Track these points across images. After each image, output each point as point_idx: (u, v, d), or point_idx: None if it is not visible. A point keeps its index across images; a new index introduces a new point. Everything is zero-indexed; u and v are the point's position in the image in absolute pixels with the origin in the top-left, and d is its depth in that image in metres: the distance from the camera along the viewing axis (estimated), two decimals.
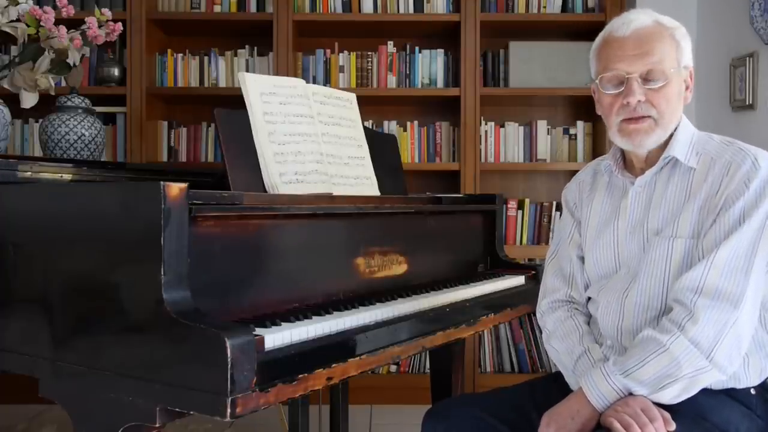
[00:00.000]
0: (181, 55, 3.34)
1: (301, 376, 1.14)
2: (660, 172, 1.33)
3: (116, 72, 3.22)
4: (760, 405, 1.26)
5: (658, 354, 1.18)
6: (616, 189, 1.41)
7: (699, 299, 1.18)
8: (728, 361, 1.18)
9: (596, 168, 1.49)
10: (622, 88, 1.29)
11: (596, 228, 1.41)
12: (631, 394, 1.20)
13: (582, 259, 1.46)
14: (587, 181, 1.50)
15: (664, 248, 1.27)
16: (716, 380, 1.21)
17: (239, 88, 1.58)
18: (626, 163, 1.41)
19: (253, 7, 3.31)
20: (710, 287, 1.18)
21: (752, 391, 1.27)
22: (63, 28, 1.91)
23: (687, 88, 1.34)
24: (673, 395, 1.19)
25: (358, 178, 1.80)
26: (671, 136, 1.32)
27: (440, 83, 3.36)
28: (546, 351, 1.49)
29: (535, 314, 1.58)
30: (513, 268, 2.16)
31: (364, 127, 1.90)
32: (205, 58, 3.35)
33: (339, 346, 1.27)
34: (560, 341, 1.41)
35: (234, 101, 1.59)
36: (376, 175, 1.86)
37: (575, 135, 3.41)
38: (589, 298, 1.44)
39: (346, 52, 3.35)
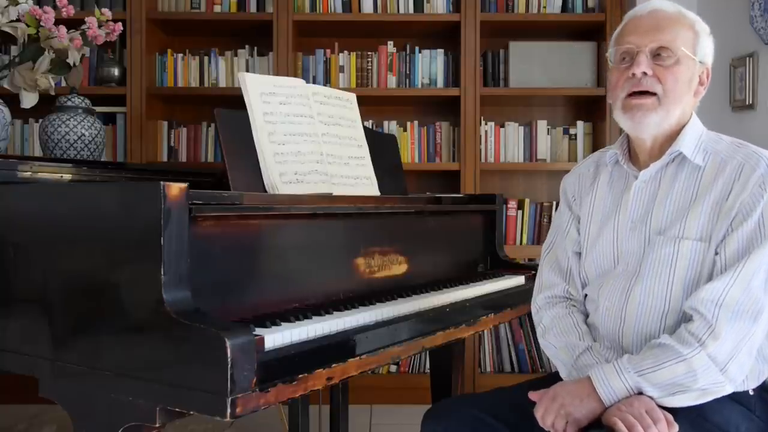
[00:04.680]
0: (181, 55, 3.34)
1: (301, 376, 1.14)
2: (666, 168, 1.31)
3: (116, 72, 3.22)
4: (759, 406, 1.26)
5: (675, 362, 1.17)
6: (619, 181, 1.39)
7: (721, 313, 1.17)
8: (740, 372, 1.18)
9: (599, 160, 1.47)
10: (632, 63, 1.29)
11: (598, 226, 1.39)
12: (639, 393, 1.20)
13: (578, 255, 1.45)
14: (588, 174, 1.47)
15: (669, 249, 1.26)
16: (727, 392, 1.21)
17: (239, 88, 1.58)
18: (632, 155, 1.39)
19: (253, 7, 3.31)
20: (732, 301, 1.17)
21: (751, 392, 1.26)
22: (63, 28, 1.91)
23: (701, 83, 1.33)
24: (682, 403, 1.19)
25: (358, 178, 1.80)
26: (678, 131, 1.30)
27: (440, 83, 3.36)
28: (543, 347, 1.48)
29: None
30: (513, 268, 2.16)
31: (364, 127, 1.90)
32: (205, 58, 3.35)
33: (339, 346, 1.27)
34: (558, 338, 1.40)
35: (234, 101, 1.59)
36: (376, 175, 1.86)
37: (575, 135, 3.41)
38: (586, 295, 1.43)
39: (346, 52, 3.35)
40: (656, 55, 1.28)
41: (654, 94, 1.27)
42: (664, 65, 1.27)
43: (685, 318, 1.24)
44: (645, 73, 1.27)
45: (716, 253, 1.22)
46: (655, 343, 1.22)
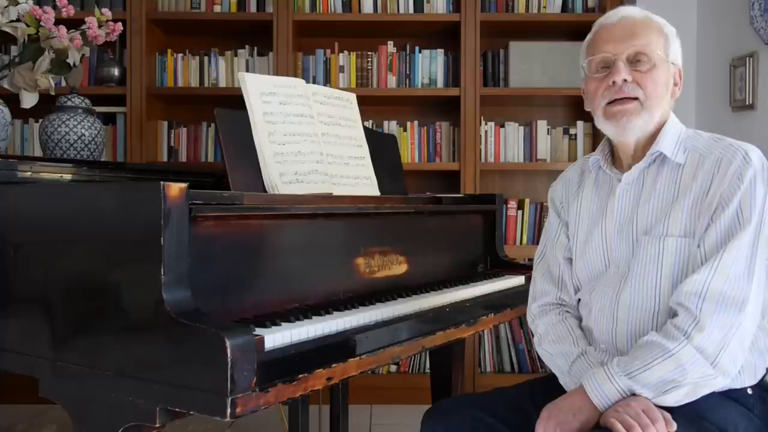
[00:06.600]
0: (181, 55, 3.34)
1: (301, 376, 1.14)
2: (648, 168, 1.33)
3: (116, 72, 3.22)
4: (757, 404, 1.26)
5: (663, 359, 1.17)
6: (604, 186, 1.41)
7: (704, 304, 1.17)
8: (732, 364, 1.18)
9: (583, 166, 1.49)
10: (609, 71, 1.30)
11: (586, 231, 1.40)
12: (633, 394, 1.20)
13: (569, 260, 1.46)
14: (574, 180, 1.49)
15: (654, 247, 1.27)
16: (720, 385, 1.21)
17: (239, 88, 1.58)
18: (614, 159, 1.41)
19: (253, 7, 3.31)
20: (715, 292, 1.18)
21: (749, 391, 1.26)
22: (63, 28, 1.91)
23: (675, 84, 1.35)
24: (676, 400, 1.19)
25: (358, 178, 1.80)
26: (658, 131, 1.32)
27: (440, 83, 3.36)
28: (540, 355, 1.49)
29: None
30: (513, 268, 2.16)
31: (364, 127, 1.90)
32: (205, 58, 3.35)
33: (339, 346, 1.27)
34: (553, 345, 1.40)
35: (234, 101, 1.59)
36: (376, 175, 1.86)
37: (575, 135, 3.41)
38: (579, 300, 1.43)
39: (346, 52, 3.35)
40: (634, 61, 1.29)
41: (636, 98, 1.29)
42: (642, 70, 1.29)
43: (672, 314, 1.24)
44: (625, 80, 1.28)
45: (698, 247, 1.23)
46: (643, 341, 1.22)
